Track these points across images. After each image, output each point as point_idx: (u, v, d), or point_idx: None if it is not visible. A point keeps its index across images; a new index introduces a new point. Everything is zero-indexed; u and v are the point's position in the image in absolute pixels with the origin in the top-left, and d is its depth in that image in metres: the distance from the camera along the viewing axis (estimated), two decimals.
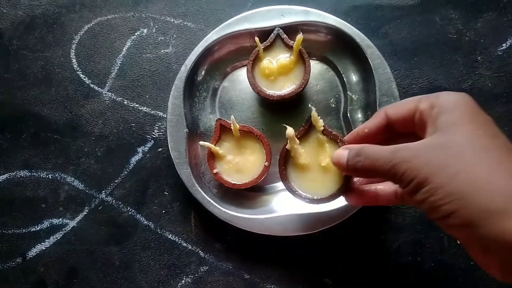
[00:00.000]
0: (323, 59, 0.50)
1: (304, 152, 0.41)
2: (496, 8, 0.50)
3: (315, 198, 0.40)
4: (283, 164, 0.41)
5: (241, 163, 0.46)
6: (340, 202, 0.43)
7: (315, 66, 0.50)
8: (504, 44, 0.50)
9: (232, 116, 0.44)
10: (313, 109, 0.39)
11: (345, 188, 0.38)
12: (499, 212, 0.25)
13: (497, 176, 0.26)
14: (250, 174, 0.46)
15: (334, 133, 0.39)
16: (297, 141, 0.40)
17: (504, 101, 0.48)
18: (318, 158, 0.40)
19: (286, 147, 0.40)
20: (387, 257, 0.47)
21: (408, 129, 0.34)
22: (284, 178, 0.41)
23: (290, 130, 0.39)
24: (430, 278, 0.46)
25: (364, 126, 0.37)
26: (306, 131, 0.41)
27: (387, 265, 0.47)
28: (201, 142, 0.45)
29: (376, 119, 0.36)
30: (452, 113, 0.30)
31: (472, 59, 0.50)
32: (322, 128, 0.39)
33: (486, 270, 0.29)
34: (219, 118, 0.46)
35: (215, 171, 0.46)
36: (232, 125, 0.45)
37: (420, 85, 0.50)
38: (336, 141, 0.39)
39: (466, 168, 0.27)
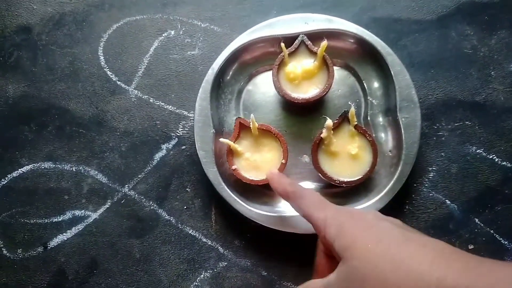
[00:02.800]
0: (344, 66, 0.53)
1: (336, 141, 0.47)
2: (510, 27, 0.53)
3: (344, 180, 0.47)
4: (316, 150, 0.47)
5: (258, 160, 0.48)
6: (363, 201, 0.46)
7: (337, 72, 0.52)
8: None
9: (252, 114, 0.46)
10: (352, 105, 0.47)
11: (370, 174, 0.47)
12: None
13: None
14: (267, 171, 0.47)
15: (364, 128, 0.47)
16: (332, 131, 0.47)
17: None
18: (347, 147, 0.47)
19: (321, 135, 0.47)
20: None
21: None
22: (316, 162, 0.47)
23: (329, 121, 0.46)
24: None
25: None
26: (339, 124, 0.47)
27: None
28: (221, 139, 0.47)
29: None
30: (344, 239, 0.31)
31: (486, 74, 0.52)
32: (356, 123, 0.47)
33: None
34: (238, 117, 0.48)
35: (233, 167, 0.47)
36: (251, 123, 0.46)
37: (436, 96, 0.52)
38: (365, 135, 0.47)
39: None
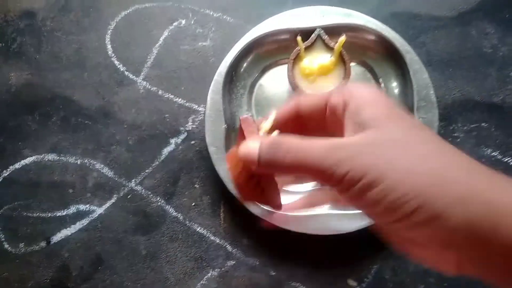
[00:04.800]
0: (360, 62, 0.51)
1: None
2: None
3: None
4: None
5: None
6: None
7: (352, 68, 0.50)
8: None
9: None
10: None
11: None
12: (461, 200, 0.24)
13: (450, 168, 0.25)
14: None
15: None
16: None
17: None
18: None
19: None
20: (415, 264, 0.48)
21: (317, 125, 0.32)
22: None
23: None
24: None
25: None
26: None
27: (416, 270, 0.47)
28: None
29: (286, 107, 0.32)
30: (375, 108, 0.27)
31: (504, 75, 0.51)
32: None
33: (438, 267, 0.27)
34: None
35: None
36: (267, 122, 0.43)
37: (453, 96, 0.51)
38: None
39: (417, 162, 0.25)
